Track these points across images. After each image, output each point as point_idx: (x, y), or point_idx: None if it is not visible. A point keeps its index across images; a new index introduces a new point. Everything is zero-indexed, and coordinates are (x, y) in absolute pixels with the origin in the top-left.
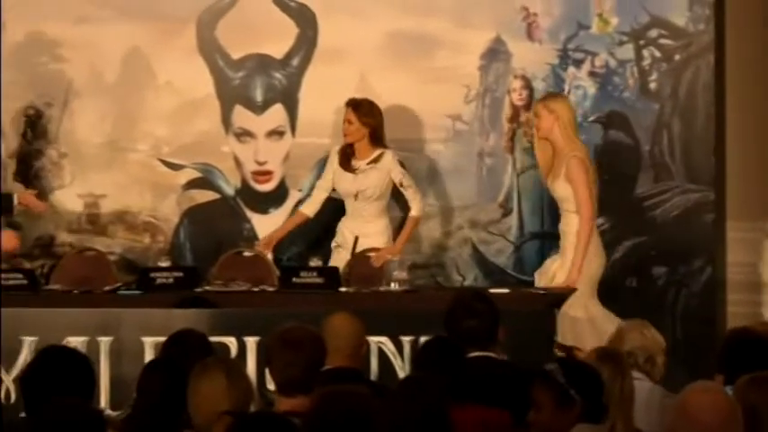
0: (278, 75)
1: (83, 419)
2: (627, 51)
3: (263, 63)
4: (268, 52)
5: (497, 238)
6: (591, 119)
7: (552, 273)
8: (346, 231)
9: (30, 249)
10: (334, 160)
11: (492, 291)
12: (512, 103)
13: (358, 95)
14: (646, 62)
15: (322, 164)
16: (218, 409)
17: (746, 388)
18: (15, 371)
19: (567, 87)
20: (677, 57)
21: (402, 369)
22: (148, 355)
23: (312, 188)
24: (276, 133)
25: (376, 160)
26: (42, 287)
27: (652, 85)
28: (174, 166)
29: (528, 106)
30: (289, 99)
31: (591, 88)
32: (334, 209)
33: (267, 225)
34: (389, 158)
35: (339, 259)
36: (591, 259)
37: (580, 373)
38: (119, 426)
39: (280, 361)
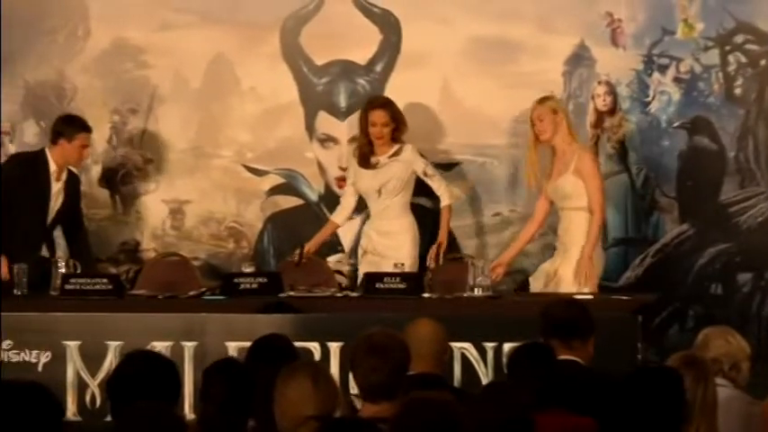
0: (361, 80)
1: (164, 424)
2: (712, 57)
3: (346, 69)
4: (352, 58)
5: None
6: (675, 124)
7: (552, 274)
8: (373, 233)
9: (115, 254)
10: (353, 163)
11: (575, 296)
12: (596, 108)
13: (441, 101)
14: (731, 67)
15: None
16: (304, 414)
17: None
18: (101, 375)
19: (651, 93)
20: (763, 62)
21: (485, 375)
22: None
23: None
24: None
25: (397, 153)
26: (127, 292)
27: (737, 91)
28: (258, 172)
29: (612, 112)
30: None
31: (675, 94)
32: None
33: (350, 230)
34: (410, 150)
35: (370, 264)
36: (598, 253)
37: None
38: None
39: (364, 366)
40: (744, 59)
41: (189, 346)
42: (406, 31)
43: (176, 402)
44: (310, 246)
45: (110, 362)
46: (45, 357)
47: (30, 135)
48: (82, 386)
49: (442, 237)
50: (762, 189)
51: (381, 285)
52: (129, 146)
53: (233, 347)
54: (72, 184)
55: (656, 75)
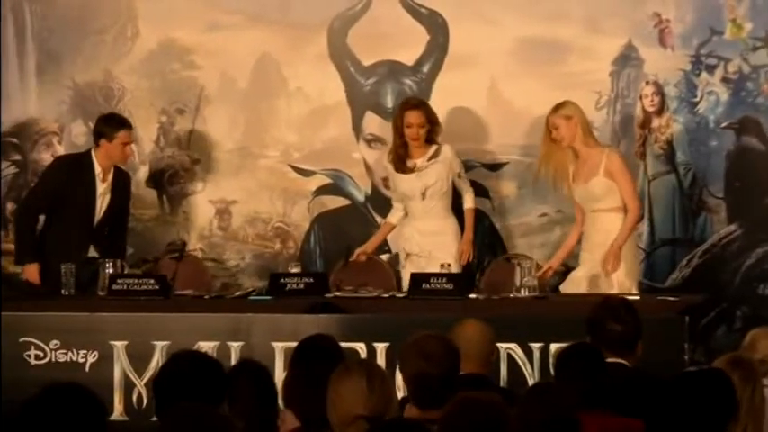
0: (408, 81)
1: (210, 424)
2: (760, 57)
3: (393, 69)
4: (399, 59)
5: None
6: (723, 125)
7: (581, 279)
8: (416, 235)
9: (162, 255)
10: (389, 169)
11: (612, 294)
12: (643, 109)
13: (488, 101)
14: None
15: None
16: (355, 413)
17: None
18: (147, 375)
19: (699, 93)
20: None
21: (531, 376)
22: (279, 360)
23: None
24: None
25: (435, 155)
26: (174, 292)
27: None
28: (305, 173)
29: (660, 112)
30: None
31: (724, 94)
32: None
33: (396, 231)
34: (449, 150)
35: (415, 267)
36: (633, 252)
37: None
38: None
39: (415, 372)
40: None
41: (235, 346)
42: (454, 32)
43: (222, 403)
44: (367, 247)
45: (156, 362)
46: (92, 357)
47: (78, 135)
48: (129, 386)
49: (467, 239)
50: None
51: (428, 286)
52: (177, 146)
53: (279, 348)
54: (121, 182)
55: (704, 75)
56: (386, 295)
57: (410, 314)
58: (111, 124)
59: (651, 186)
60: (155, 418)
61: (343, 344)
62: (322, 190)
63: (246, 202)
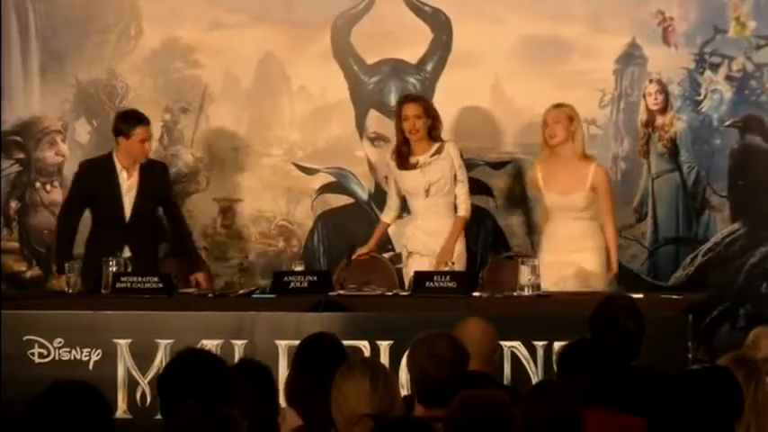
0: (412, 79)
1: (217, 423)
2: (764, 55)
3: (397, 68)
4: (402, 57)
5: (632, 243)
6: (727, 123)
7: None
8: (419, 233)
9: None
10: (392, 166)
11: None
12: (647, 107)
13: (492, 100)
14: None
15: None
16: (359, 411)
17: None
18: (151, 373)
19: (703, 92)
20: None
21: (535, 374)
22: (282, 359)
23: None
24: None
25: (438, 151)
26: (178, 291)
27: None
28: (309, 171)
29: (663, 110)
30: None
31: (727, 92)
32: None
33: (399, 229)
34: (452, 147)
35: (417, 265)
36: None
37: (718, 376)
38: None
39: (422, 373)
40: None
41: (239, 344)
42: (457, 31)
43: (229, 401)
44: (369, 247)
45: (160, 360)
46: (96, 356)
47: (82, 134)
48: (132, 384)
49: (448, 248)
50: None
51: (431, 284)
52: (180, 144)
53: (282, 346)
54: (149, 176)
55: (707, 73)
56: (389, 293)
57: (413, 312)
58: (128, 121)
59: (655, 185)
60: (158, 417)
61: (346, 342)
62: (325, 188)
63: (250, 201)
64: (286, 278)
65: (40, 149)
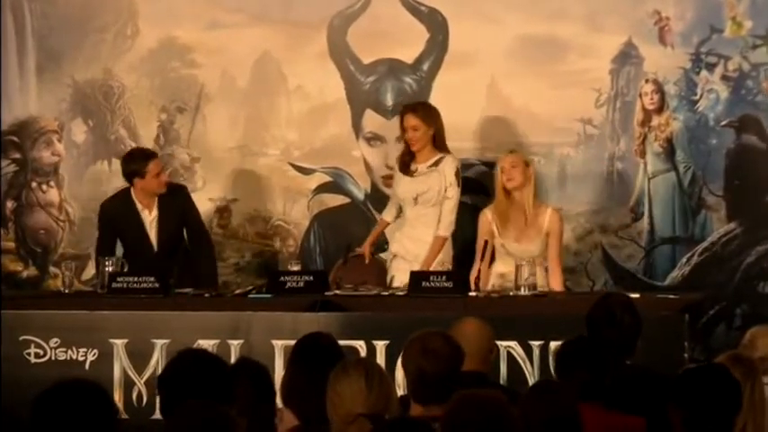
0: (408, 79)
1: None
2: (760, 55)
3: (393, 67)
4: (399, 57)
5: (628, 243)
6: (723, 123)
7: None
8: (405, 240)
9: None
10: (395, 168)
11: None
12: (643, 107)
13: (488, 100)
14: None
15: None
16: (355, 411)
17: None
18: (147, 373)
19: (699, 91)
20: None
21: (531, 374)
22: (279, 359)
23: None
24: None
25: (437, 163)
26: (174, 290)
27: None
28: (305, 171)
29: (659, 110)
30: None
31: (723, 92)
32: None
33: (388, 230)
34: (449, 162)
35: (401, 269)
36: None
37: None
38: None
39: (417, 369)
40: None
41: (235, 344)
42: (454, 30)
43: (229, 402)
44: (366, 246)
45: (156, 360)
46: (92, 355)
47: (78, 134)
48: (128, 384)
49: (427, 265)
50: None
51: (427, 284)
52: (177, 144)
53: (279, 346)
54: (170, 202)
55: (703, 73)
56: (386, 293)
57: (410, 312)
58: (137, 161)
59: (651, 184)
60: (154, 417)
61: (343, 342)
62: (322, 188)
63: (246, 201)
64: (282, 278)
65: (36, 149)
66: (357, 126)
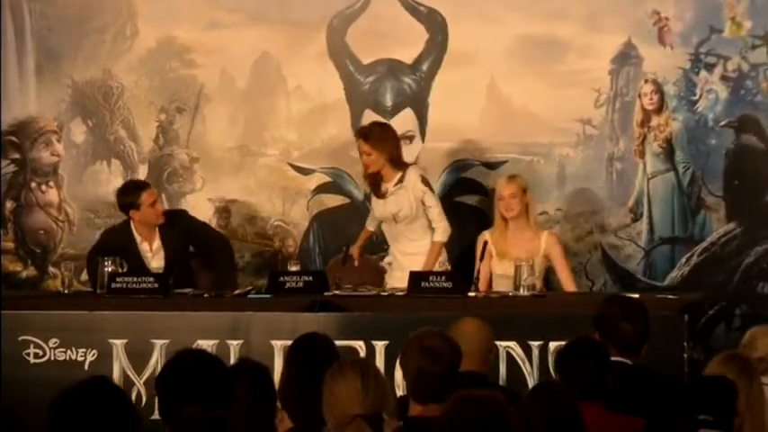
0: (408, 79)
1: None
2: (760, 55)
3: (392, 68)
4: (398, 57)
5: (627, 243)
6: (722, 123)
7: None
8: (397, 253)
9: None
10: (368, 189)
11: (623, 294)
12: (642, 107)
13: (487, 100)
14: None
15: (450, 171)
16: (351, 412)
17: None
18: (147, 373)
19: (698, 92)
20: None
21: (530, 374)
22: (278, 359)
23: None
24: (406, 138)
25: (401, 179)
26: (173, 291)
27: None
28: (304, 171)
29: (659, 110)
30: (418, 104)
31: (723, 92)
32: None
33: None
34: (411, 176)
35: (394, 278)
36: None
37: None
38: None
39: (415, 368)
40: None
41: (234, 344)
42: (453, 31)
43: (228, 403)
44: (355, 249)
45: (155, 360)
46: (91, 356)
47: (77, 134)
48: (128, 384)
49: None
50: None
51: (427, 284)
52: (176, 144)
53: (278, 346)
54: (172, 230)
55: (703, 73)
56: (385, 294)
57: (409, 313)
58: (130, 193)
59: (650, 185)
60: (153, 417)
61: (342, 342)
62: (321, 188)
63: (246, 201)
64: (282, 278)
65: (35, 150)
66: (356, 126)
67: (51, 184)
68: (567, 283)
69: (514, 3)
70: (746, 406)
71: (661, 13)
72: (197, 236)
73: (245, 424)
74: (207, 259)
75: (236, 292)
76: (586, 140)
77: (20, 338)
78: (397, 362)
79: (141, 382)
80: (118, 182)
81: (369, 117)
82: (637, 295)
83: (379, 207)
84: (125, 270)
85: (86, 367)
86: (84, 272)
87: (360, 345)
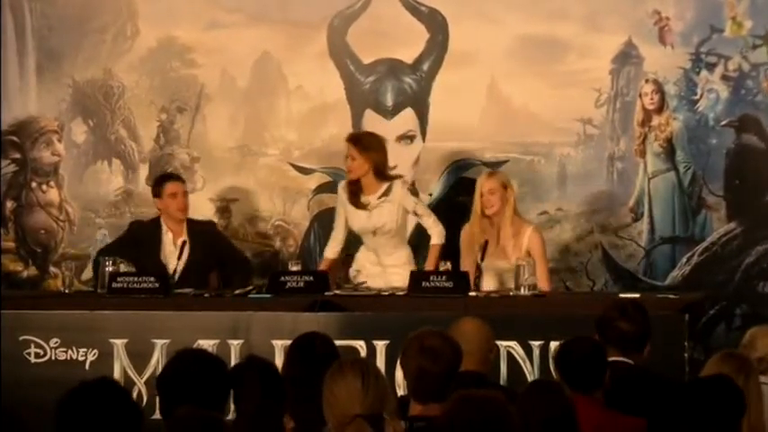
0: (408, 79)
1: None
2: (760, 55)
3: (393, 68)
4: (399, 57)
5: (628, 243)
6: (723, 123)
7: None
8: (366, 264)
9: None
10: (343, 199)
11: (622, 296)
12: (643, 107)
13: (488, 99)
14: None
15: (450, 170)
16: (351, 412)
17: None
18: (147, 373)
19: (699, 91)
20: None
21: (531, 374)
22: (279, 359)
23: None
24: (406, 137)
25: (386, 193)
26: (174, 290)
27: None
28: (305, 171)
29: (659, 110)
30: (419, 103)
31: (723, 92)
32: None
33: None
34: (399, 189)
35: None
36: None
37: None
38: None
39: (416, 367)
40: None
41: (235, 344)
42: (454, 30)
43: (227, 402)
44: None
45: (156, 360)
46: (92, 355)
47: (78, 134)
48: (128, 384)
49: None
50: None
51: (427, 284)
52: (176, 144)
53: (279, 346)
54: (202, 232)
55: (703, 73)
56: (385, 293)
57: (410, 312)
58: (156, 182)
59: (651, 184)
60: (154, 416)
61: (343, 342)
62: (322, 188)
63: (246, 201)
64: (282, 278)
65: (36, 149)
66: (357, 126)
67: (52, 183)
68: (542, 281)
69: (515, 3)
70: (747, 403)
71: (661, 12)
72: (221, 252)
73: (254, 421)
74: (225, 276)
75: (237, 291)
76: (587, 140)
77: (20, 338)
78: (398, 361)
79: (142, 381)
80: (118, 181)
81: (369, 117)
82: (637, 295)
83: (359, 220)
84: (125, 270)
85: (87, 367)
86: (85, 272)
87: (360, 344)
